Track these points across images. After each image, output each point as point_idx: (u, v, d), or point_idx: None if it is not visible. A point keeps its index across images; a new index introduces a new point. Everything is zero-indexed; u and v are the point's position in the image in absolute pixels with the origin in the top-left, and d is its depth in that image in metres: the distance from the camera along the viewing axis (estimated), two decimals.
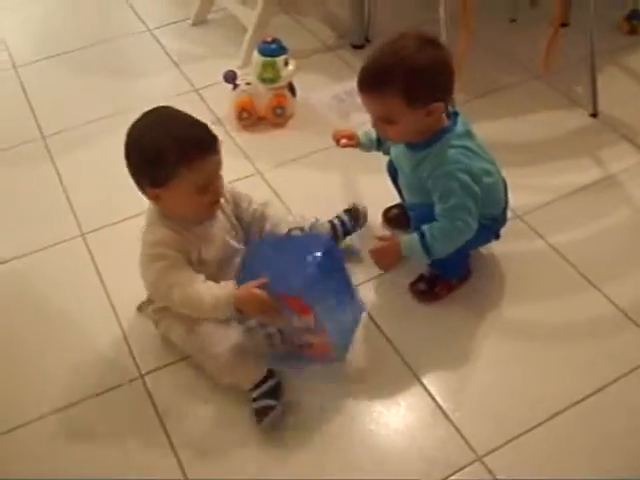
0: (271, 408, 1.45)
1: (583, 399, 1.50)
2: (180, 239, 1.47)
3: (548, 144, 2.14)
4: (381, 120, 1.53)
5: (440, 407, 1.49)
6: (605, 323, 1.66)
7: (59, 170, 2.11)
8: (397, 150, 1.65)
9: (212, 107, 2.32)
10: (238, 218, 1.62)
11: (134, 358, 1.61)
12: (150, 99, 2.35)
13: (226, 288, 1.43)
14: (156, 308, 1.58)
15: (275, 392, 1.48)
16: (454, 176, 1.50)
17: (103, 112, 2.32)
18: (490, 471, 1.38)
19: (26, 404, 1.54)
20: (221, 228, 1.55)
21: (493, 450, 1.42)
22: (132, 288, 1.72)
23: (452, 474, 1.38)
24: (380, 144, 1.75)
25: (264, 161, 2.11)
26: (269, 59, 2.15)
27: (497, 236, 1.72)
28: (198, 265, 1.49)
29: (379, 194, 1.87)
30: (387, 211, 1.89)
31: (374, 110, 1.52)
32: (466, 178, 1.50)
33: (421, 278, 1.72)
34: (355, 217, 1.79)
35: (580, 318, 1.67)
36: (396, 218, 1.86)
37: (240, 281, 1.43)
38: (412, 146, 1.57)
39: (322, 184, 2.03)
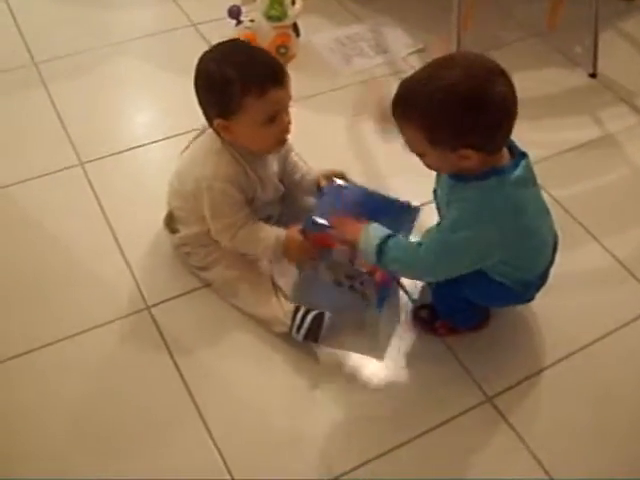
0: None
1: (583, 347, 1.54)
2: (245, 179, 1.48)
3: (548, 101, 2.16)
4: (410, 148, 1.31)
5: (451, 349, 1.52)
6: (604, 274, 1.70)
7: (52, 98, 2.03)
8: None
9: (212, 43, 2.24)
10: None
11: (140, 290, 1.59)
12: (142, 31, 2.32)
13: (279, 230, 1.51)
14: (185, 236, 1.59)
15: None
16: (473, 213, 1.28)
17: (94, 43, 2.25)
18: (499, 411, 1.42)
19: (28, 333, 1.51)
20: (273, 170, 1.56)
21: (501, 392, 1.45)
22: (134, 218, 1.71)
23: (463, 412, 1.42)
24: None
25: None
26: None
27: (528, 300, 1.50)
28: (249, 204, 1.51)
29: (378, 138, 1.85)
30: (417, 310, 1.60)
31: (402, 136, 1.30)
32: (481, 228, 1.27)
33: (428, 306, 1.57)
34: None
35: (580, 268, 1.69)
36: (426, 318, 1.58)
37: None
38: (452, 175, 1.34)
39: (323, 127, 2.00)
